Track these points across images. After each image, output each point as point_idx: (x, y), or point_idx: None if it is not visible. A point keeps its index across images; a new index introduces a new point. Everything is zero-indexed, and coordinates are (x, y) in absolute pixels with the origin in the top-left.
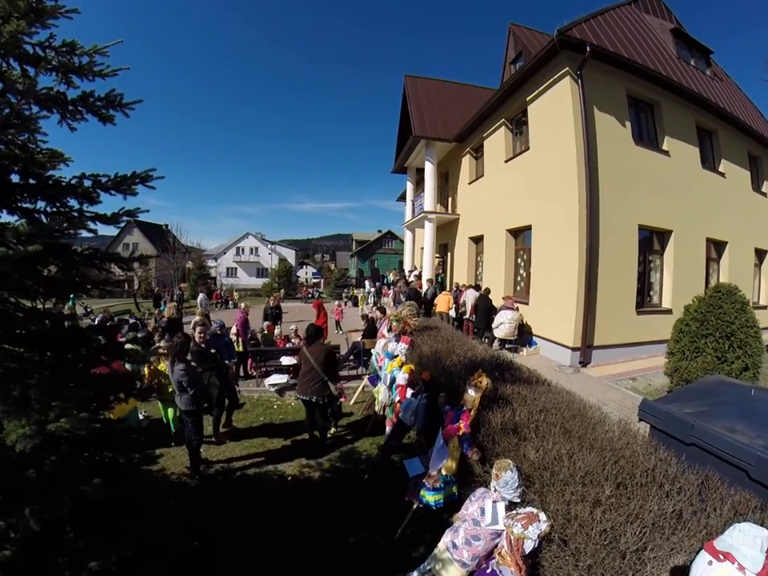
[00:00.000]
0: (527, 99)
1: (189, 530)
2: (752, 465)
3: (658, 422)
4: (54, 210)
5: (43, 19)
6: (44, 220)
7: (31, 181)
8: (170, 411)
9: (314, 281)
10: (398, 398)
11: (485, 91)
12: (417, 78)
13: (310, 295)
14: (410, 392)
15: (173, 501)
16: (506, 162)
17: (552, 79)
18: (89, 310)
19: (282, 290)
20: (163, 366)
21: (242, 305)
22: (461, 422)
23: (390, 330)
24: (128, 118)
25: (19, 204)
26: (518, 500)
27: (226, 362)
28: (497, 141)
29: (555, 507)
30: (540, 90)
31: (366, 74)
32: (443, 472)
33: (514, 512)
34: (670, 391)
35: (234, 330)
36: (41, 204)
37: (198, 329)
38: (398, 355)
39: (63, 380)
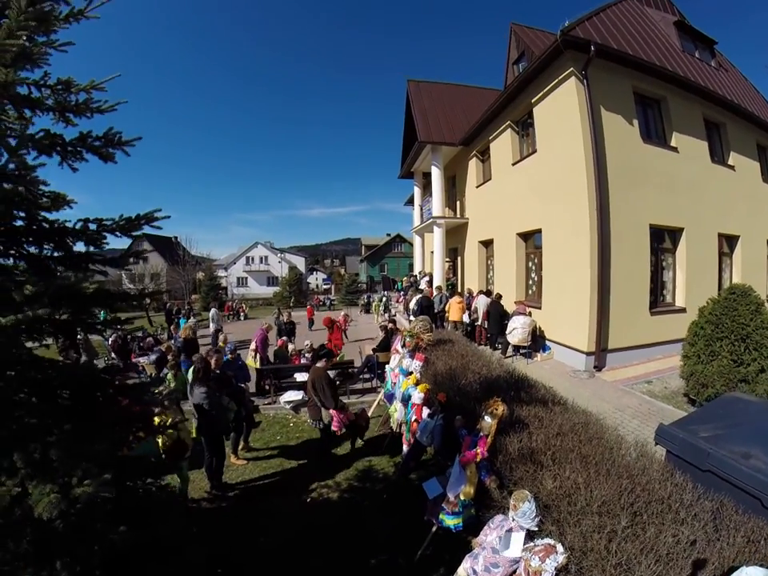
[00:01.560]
0: (532, 101)
1: (212, 557)
2: (765, 494)
3: (674, 447)
4: (61, 255)
5: (34, 62)
6: (51, 265)
7: (35, 226)
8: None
9: (325, 287)
10: (413, 417)
11: (489, 92)
12: (419, 82)
13: (321, 303)
14: (425, 411)
15: (195, 529)
16: (513, 164)
17: (557, 80)
18: (119, 327)
19: (293, 298)
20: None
21: (265, 323)
22: (478, 448)
23: (403, 345)
24: (129, 156)
25: (25, 248)
26: (536, 528)
27: (242, 385)
28: (503, 144)
29: (572, 538)
30: (545, 91)
31: (370, 78)
32: (461, 497)
33: (532, 544)
34: (686, 395)
35: (252, 345)
36: (47, 249)
37: (214, 357)
38: (412, 372)
39: (83, 434)
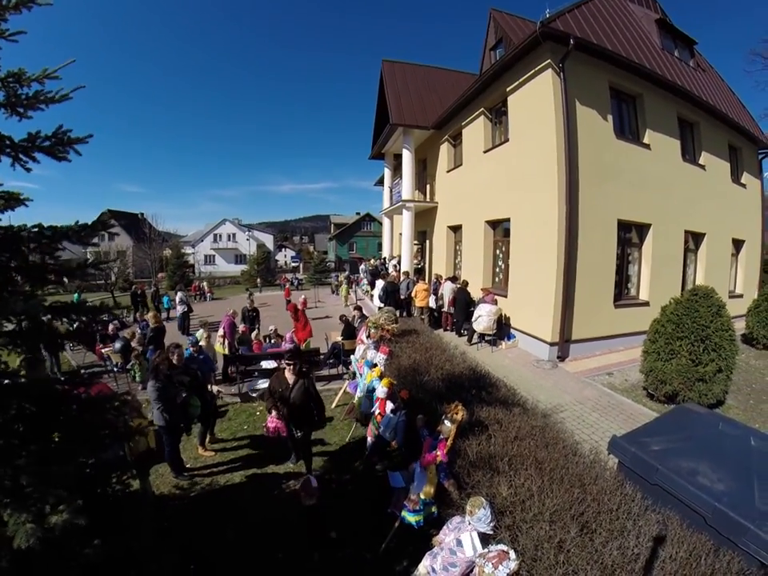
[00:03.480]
0: (507, 89)
1: (184, 554)
2: (709, 514)
3: (626, 459)
4: (16, 264)
5: None
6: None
7: None
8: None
9: (293, 264)
10: (377, 411)
11: (464, 76)
12: (394, 62)
13: (288, 282)
14: (389, 405)
15: (166, 523)
16: (484, 152)
17: (533, 71)
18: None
19: (259, 278)
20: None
21: (231, 310)
22: (437, 450)
23: (368, 336)
24: (80, 156)
25: None
26: (491, 532)
27: (211, 373)
28: (475, 130)
29: (524, 545)
30: (521, 80)
31: (345, 56)
32: (422, 496)
33: (486, 550)
34: (645, 389)
35: (220, 332)
36: (2, 257)
37: (175, 353)
38: (377, 364)
39: (49, 455)
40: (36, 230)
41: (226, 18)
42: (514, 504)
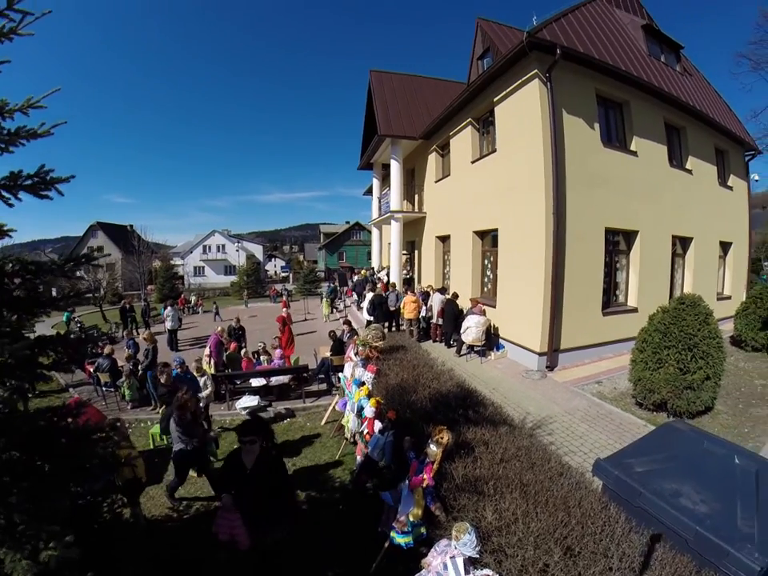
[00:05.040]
0: (494, 99)
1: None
2: (690, 537)
3: (610, 482)
4: (1, 298)
5: None
6: None
7: None
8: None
9: (283, 274)
10: (366, 430)
11: (452, 85)
12: (382, 72)
13: (278, 294)
14: (377, 425)
15: (158, 549)
16: (472, 162)
17: (520, 81)
18: (80, 326)
19: (245, 291)
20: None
21: (218, 328)
22: (424, 474)
23: (356, 353)
24: (63, 196)
25: None
26: (477, 556)
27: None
28: (463, 140)
29: (508, 569)
30: (507, 91)
31: (335, 62)
32: (410, 518)
33: (471, 575)
34: (634, 397)
35: (206, 350)
36: None
37: (164, 372)
38: (365, 383)
39: (41, 491)
40: (20, 264)
41: (212, 16)
42: (499, 528)
